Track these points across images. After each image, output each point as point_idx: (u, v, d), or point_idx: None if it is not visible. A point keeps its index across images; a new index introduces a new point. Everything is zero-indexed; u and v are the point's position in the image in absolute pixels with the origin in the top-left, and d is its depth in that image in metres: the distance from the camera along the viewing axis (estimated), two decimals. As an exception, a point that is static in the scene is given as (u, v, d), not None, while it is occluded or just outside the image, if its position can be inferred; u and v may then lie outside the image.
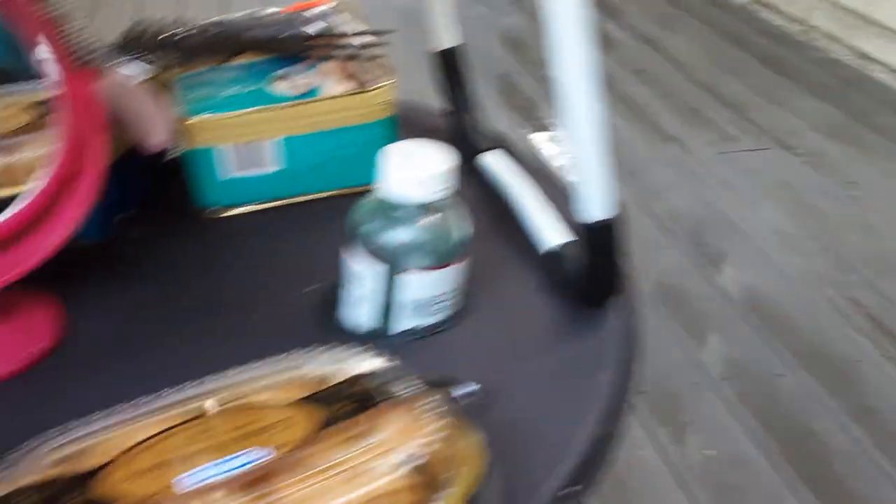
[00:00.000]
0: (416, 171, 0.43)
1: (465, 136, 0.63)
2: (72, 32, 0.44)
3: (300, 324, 0.48)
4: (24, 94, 0.54)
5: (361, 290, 0.46)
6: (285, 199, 0.58)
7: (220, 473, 0.30)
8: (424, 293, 0.46)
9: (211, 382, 0.35)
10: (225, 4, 2.87)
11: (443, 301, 0.47)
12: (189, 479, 0.29)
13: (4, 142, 0.52)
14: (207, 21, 0.60)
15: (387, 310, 0.46)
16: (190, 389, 0.34)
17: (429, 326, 0.47)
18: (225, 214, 0.57)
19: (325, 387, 0.35)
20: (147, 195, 0.58)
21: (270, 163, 0.56)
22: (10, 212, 0.44)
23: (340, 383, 0.34)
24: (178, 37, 0.58)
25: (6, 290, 0.44)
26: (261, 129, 0.54)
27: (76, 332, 0.47)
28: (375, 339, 0.46)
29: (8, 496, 0.29)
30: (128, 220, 0.55)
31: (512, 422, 0.40)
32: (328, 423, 0.32)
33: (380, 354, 0.38)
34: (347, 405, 0.33)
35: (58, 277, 0.46)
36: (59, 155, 0.44)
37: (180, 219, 0.57)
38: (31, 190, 0.44)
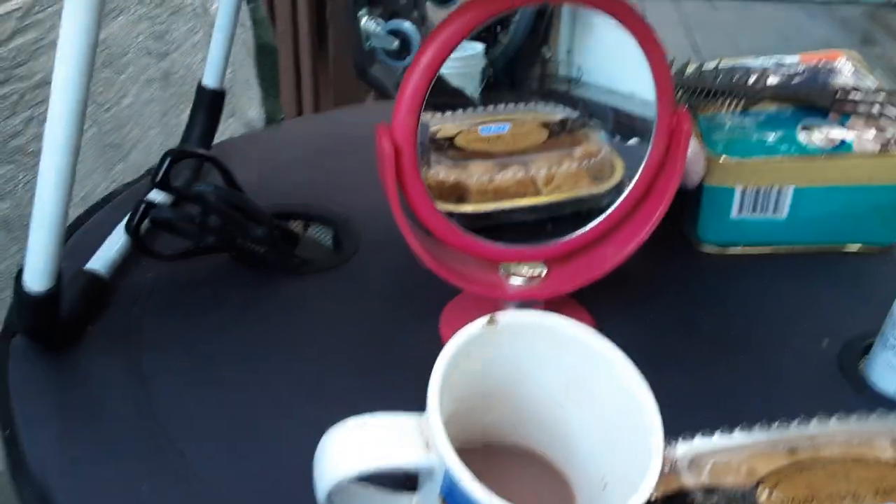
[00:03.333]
0: None
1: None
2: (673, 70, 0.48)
3: (820, 375, 0.48)
4: (539, 113, 0.61)
5: (912, 356, 0.45)
6: (785, 246, 0.58)
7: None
8: (982, 373, 0.43)
9: (812, 428, 0.36)
10: (731, 38, 3.02)
11: None
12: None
13: (523, 157, 0.59)
14: (728, 64, 0.63)
15: (931, 382, 0.45)
16: (797, 430, 0.36)
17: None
18: (727, 252, 0.59)
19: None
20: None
21: (781, 209, 0.56)
22: (585, 228, 0.49)
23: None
24: (701, 77, 0.61)
25: (558, 298, 0.49)
26: (784, 176, 0.55)
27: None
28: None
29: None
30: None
31: None
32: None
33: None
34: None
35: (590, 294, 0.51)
36: (639, 179, 0.48)
37: (676, 249, 0.60)
38: (608, 208, 0.49)
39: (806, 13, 3.48)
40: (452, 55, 0.72)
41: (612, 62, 0.56)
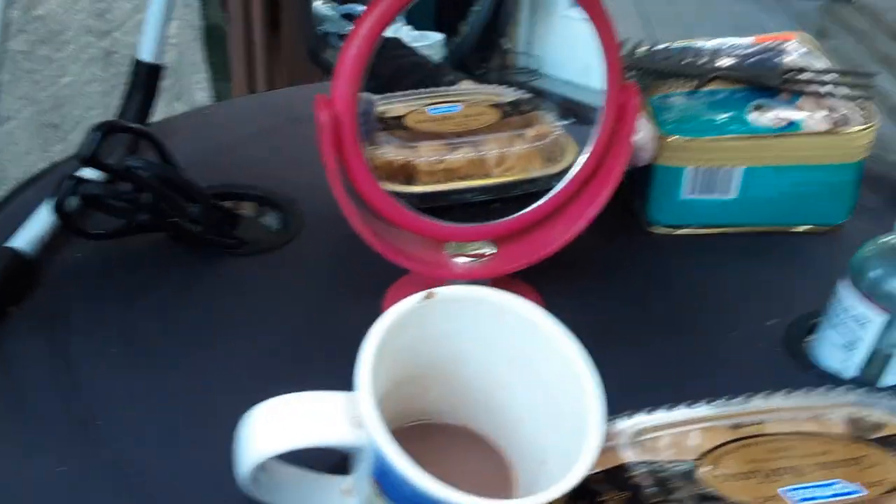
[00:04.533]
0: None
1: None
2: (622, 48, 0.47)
3: (767, 353, 0.48)
4: (489, 95, 0.60)
5: (856, 334, 0.44)
6: (734, 226, 0.58)
7: (819, 497, 0.30)
8: (926, 350, 0.43)
9: (757, 403, 0.36)
10: (689, 29, 3.03)
11: (939, 362, 0.44)
12: (794, 494, 0.30)
13: (473, 137, 0.58)
14: (679, 45, 0.62)
15: (876, 359, 0.44)
16: (739, 405, 0.35)
17: (923, 385, 0.44)
18: (676, 233, 0.58)
19: (867, 430, 0.34)
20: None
21: (731, 190, 0.56)
22: (532, 206, 0.48)
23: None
24: (652, 59, 0.60)
25: (505, 277, 0.48)
26: (734, 155, 0.55)
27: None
28: (862, 386, 0.44)
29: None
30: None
31: None
32: (906, 469, 0.32)
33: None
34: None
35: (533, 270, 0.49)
36: (588, 157, 0.47)
37: (625, 229, 0.59)
38: (555, 186, 0.48)
39: (762, 7, 3.52)
40: (413, 43, 0.70)
41: (568, 52, 0.55)
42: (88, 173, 0.49)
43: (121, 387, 0.42)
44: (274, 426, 0.29)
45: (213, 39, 1.04)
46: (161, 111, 0.89)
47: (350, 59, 0.41)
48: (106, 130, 0.46)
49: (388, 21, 0.41)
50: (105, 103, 0.84)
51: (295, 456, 0.31)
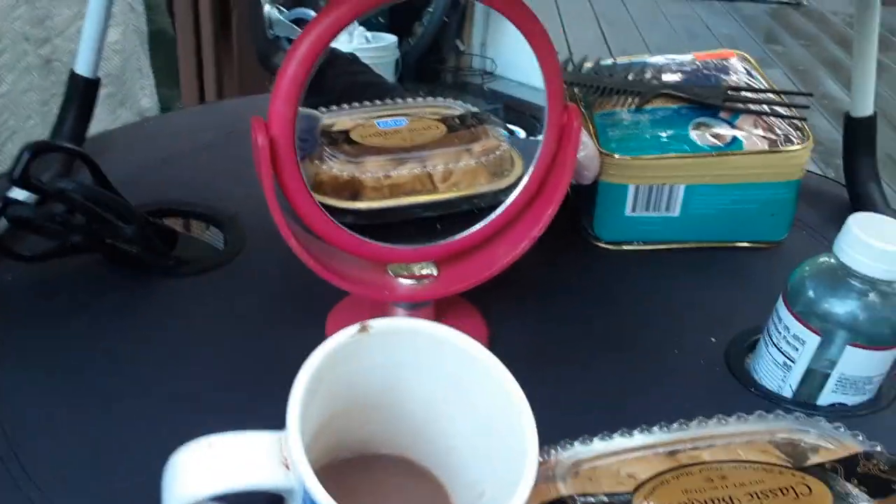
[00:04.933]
0: (885, 246, 0.42)
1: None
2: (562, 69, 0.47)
3: (708, 371, 0.49)
4: (437, 108, 0.59)
5: (793, 353, 0.45)
6: (678, 242, 0.58)
7: (751, 528, 0.30)
8: (860, 371, 0.44)
9: (693, 430, 0.36)
10: (641, 32, 3.05)
11: (872, 383, 0.45)
12: (726, 527, 0.30)
13: (420, 153, 0.57)
14: (625, 61, 0.62)
15: (812, 379, 0.45)
16: (678, 433, 0.35)
17: (857, 405, 0.45)
18: (621, 249, 0.58)
19: (816, 457, 0.34)
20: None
21: (674, 207, 0.57)
22: (475, 227, 0.48)
23: (843, 459, 0.34)
24: (598, 75, 0.61)
25: (448, 298, 0.48)
26: (676, 173, 0.55)
27: (496, 340, 0.50)
28: (799, 406, 0.45)
29: None
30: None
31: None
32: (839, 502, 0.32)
33: (849, 431, 0.37)
34: (857, 486, 0.33)
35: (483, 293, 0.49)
36: (530, 178, 0.47)
37: (572, 245, 0.59)
38: (499, 205, 0.47)
39: (712, 11, 3.59)
40: (365, 46, 0.69)
41: (521, 54, 0.55)
42: (18, 193, 0.47)
43: (44, 418, 0.41)
44: (199, 470, 0.28)
45: (160, 45, 1.02)
46: (105, 118, 0.87)
47: (287, 80, 0.41)
48: (36, 150, 0.44)
49: (326, 43, 0.40)
50: (43, 112, 0.82)
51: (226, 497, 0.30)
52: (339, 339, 0.31)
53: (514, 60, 0.57)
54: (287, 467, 0.28)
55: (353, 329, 0.32)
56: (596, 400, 0.45)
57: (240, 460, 0.28)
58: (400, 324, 0.33)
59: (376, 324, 0.32)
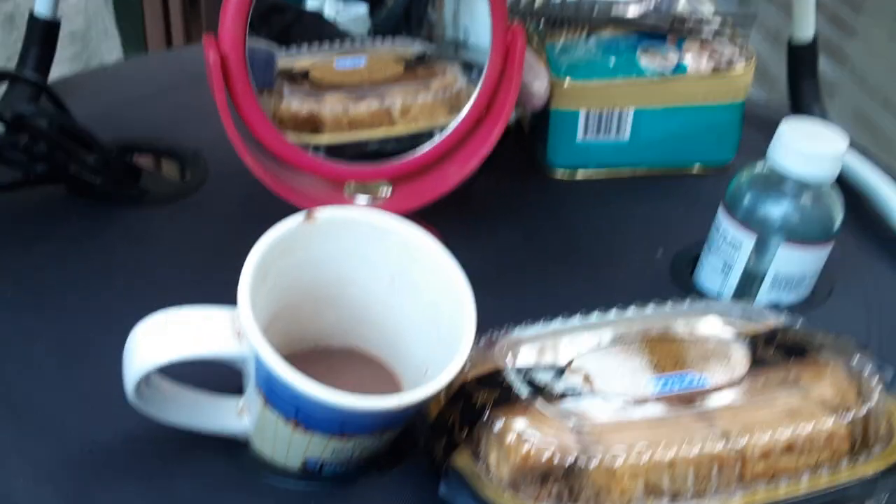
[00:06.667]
0: (815, 149, 0.44)
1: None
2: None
3: (654, 282, 0.51)
4: (396, 49, 0.61)
5: (731, 257, 0.47)
6: (629, 167, 0.60)
7: (677, 387, 0.33)
8: (793, 269, 0.46)
9: (631, 312, 0.38)
10: None
11: (805, 280, 0.47)
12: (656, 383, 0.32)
13: (378, 88, 0.59)
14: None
15: (750, 280, 0.47)
16: (614, 316, 0.38)
17: (794, 304, 0.48)
18: (574, 178, 0.60)
19: (745, 332, 0.37)
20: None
21: (623, 132, 0.59)
22: (427, 146, 0.50)
23: (767, 331, 0.36)
24: (550, 7, 0.62)
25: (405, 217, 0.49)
26: (625, 98, 0.57)
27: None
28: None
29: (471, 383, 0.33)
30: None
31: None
32: (757, 364, 0.34)
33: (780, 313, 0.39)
34: (774, 352, 0.35)
35: (435, 212, 0.51)
36: (478, 98, 0.49)
37: (526, 174, 0.61)
38: (447, 128, 0.49)
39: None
40: (337, 16, 0.70)
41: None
42: (-19, 125, 0.49)
43: (13, 329, 0.43)
44: (157, 339, 0.30)
45: (125, 4, 1.03)
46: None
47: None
48: (1, 79, 0.45)
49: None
50: (7, 68, 0.82)
51: (195, 380, 0.32)
52: (286, 226, 0.33)
53: (484, 31, 0.59)
54: (240, 338, 0.30)
55: (299, 216, 0.34)
56: (543, 308, 0.47)
57: (197, 329, 0.30)
58: (345, 213, 0.35)
59: (322, 212, 0.34)
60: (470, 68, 0.58)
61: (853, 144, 0.62)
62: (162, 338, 0.30)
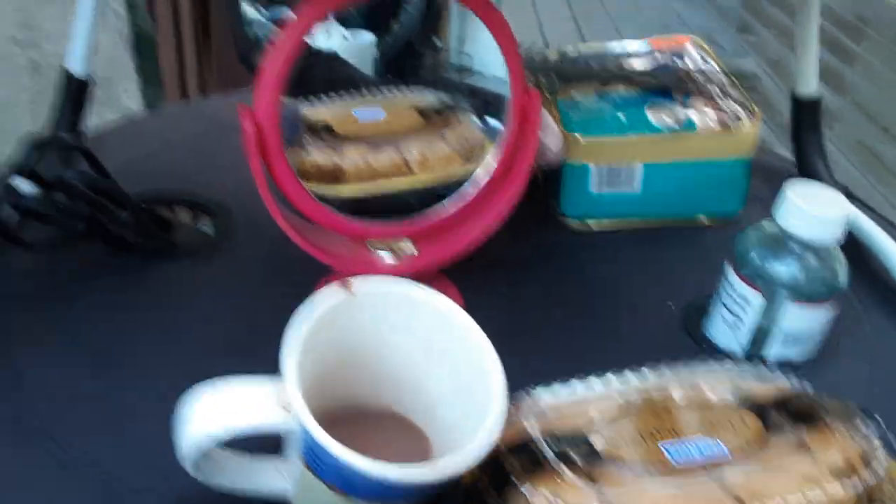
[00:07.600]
0: (819, 213, 0.46)
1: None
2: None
3: (664, 333, 0.53)
4: (411, 98, 0.63)
5: (742, 312, 0.49)
6: (640, 218, 0.63)
7: (694, 455, 0.35)
8: (801, 325, 0.49)
9: (649, 375, 0.40)
10: (616, 24, 3.10)
11: (814, 337, 0.49)
12: (674, 451, 0.34)
13: (396, 139, 0.61)
14: (588, 50, 0.66)
15: (759, 335, 0.50)
16: (639, 378, 0.40)
17: (803, 360, 0.50)
18: (588, 226, 0.63)
19: (754, 396, 0.39)
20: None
21: (634, 184, 0.61)
22: (447, 205, 0.52)
23: (778, 395, 0.38)
24: (562, 63, 0.65)
25: (427, 275, 0.52)
26: (636, 153, 0.59)
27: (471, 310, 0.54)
28: (750, 361, 0.50)
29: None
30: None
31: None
32: (769, 431, 0.36)
33: (788, 377, 0.41)
34: (785, 418, 0.37)
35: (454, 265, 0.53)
36: (497, 158, 0.51)
37: (541, 224, 0.63)
38: (469, 185, 0.51)
39: (686, 4, 3.64)
40: (343, 44, 0.73)
41: (493, 51, 0.58)
42: (23, 185, 0.51)
43: (67, 388, 0.45)
44: (211, 415, 0.32)
45: (142, 47, 1.05)
46: (90, 120, 0.90)
47: (270, 71, 0.44)
48: (42, 144, 0.48)
49: (305, 32, 0.44)
50: (33, 111, 0.85)
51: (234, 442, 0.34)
52: (328, 303, 0.35)
53: (490, 55, 0.61)
54: (286, 409, 0.32)
55: (337, 290, 0.36)
56: (559, 363, 0.49)
57: (247, 403, 0.32)
58: (382, 286, 0.37)
59: (359, 284, 0.36)
60: (483, 117, 0.61)
61: (855, 187, 0.64)
62: (215, 414, 0.32)
